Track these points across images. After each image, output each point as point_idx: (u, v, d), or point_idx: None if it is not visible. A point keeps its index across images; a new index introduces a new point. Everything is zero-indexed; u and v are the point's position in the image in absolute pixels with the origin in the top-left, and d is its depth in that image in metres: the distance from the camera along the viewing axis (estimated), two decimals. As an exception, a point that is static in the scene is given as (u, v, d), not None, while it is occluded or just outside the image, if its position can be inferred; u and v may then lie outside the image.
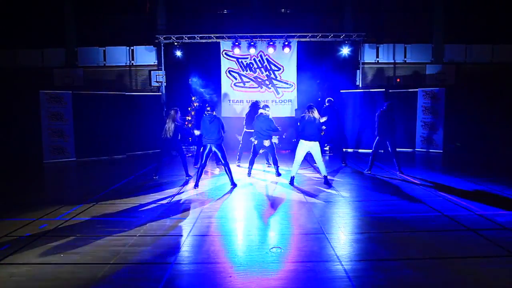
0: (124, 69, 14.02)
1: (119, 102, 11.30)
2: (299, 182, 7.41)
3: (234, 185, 7.04)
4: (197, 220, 5.13)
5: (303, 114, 7.04)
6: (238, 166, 9.18)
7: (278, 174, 7.96)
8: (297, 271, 3.57)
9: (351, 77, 13.53)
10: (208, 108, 6.99)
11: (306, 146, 6.97)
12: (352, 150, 12.16)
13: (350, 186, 7.09)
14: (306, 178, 7.83)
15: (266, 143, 7.69)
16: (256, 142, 7.82)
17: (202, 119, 6.97)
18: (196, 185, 6.96)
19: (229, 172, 7.01)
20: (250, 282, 3.38)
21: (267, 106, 7.91)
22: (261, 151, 8.11)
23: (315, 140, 6.94)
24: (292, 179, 7.19)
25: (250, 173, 8.07)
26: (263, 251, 4.04)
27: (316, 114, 6.96)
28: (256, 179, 7.82)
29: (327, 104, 9.58)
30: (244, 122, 9.34)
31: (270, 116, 7.82)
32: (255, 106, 9.09)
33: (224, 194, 6.61)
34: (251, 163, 8.07)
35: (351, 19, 13.90)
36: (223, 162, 6.94)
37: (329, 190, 6.71)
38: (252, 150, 8.03)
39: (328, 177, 7.35)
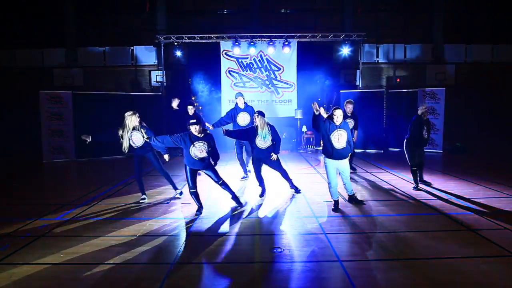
0: (124, 69, 14.02)
1: (119, 102, 11.28)
2: (300, 182, 7.41)
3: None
4: (197, 220, 5.13)
5: (326, 118, 5.39)
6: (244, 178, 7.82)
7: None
8: (297, 271, 3.56)
9: (351, 77, 13.54)
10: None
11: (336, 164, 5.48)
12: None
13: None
14: (307, 178, 7.83)
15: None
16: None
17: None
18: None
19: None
20: (250, 283, 3.38)
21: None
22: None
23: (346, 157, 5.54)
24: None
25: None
26: (263, 252, 4.04)
27: (342, 115, 5.31)
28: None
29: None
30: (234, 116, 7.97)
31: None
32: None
33: (225, 194, 6.60)
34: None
35: (351, 19, 13.91)
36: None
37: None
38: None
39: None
